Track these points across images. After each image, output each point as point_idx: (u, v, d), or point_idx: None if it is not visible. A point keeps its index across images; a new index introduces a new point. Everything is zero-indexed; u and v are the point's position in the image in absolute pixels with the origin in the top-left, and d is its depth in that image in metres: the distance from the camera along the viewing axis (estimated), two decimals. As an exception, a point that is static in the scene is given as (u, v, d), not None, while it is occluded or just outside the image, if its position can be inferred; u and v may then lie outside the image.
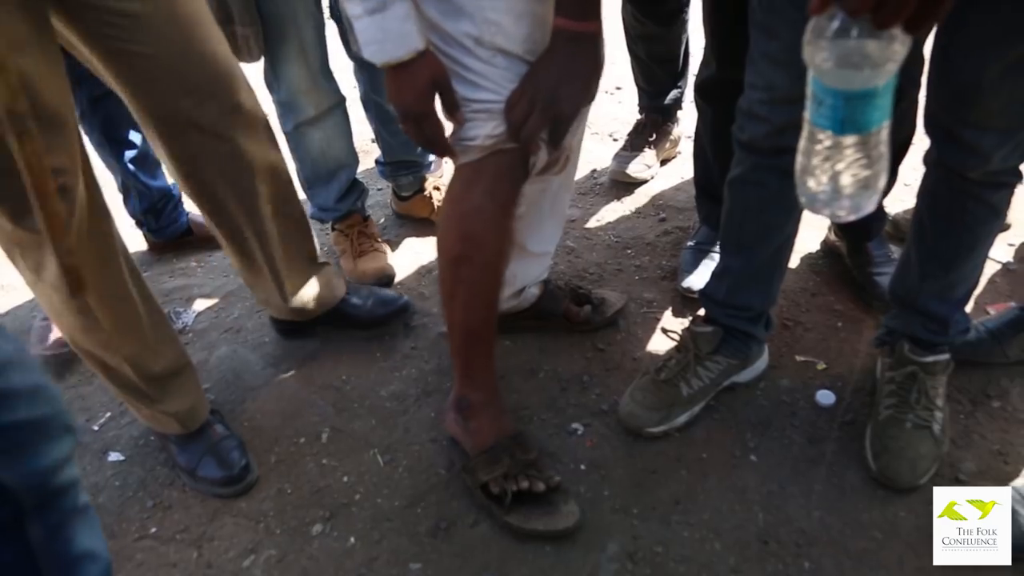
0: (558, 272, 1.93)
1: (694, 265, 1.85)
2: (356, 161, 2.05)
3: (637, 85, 2.32)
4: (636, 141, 2.31)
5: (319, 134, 1.90)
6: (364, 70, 1.98)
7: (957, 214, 1.30)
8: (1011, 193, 1.31)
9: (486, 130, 1.19)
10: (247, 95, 1.38)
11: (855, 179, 0.84)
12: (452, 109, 1.20)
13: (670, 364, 1.51)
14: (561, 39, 1.14)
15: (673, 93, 2.28)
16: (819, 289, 1.85)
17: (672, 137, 2.38)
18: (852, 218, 0.87)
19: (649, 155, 2.30)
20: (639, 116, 2.36)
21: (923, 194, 1.36)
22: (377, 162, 2.20)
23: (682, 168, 2.35)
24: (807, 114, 0.81)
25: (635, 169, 2.26)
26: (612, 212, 2.19)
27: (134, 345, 1.38)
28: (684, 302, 1.82)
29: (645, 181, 2.30)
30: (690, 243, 1.91)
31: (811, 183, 0.86)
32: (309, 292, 1.68)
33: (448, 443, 1.49)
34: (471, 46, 1.16)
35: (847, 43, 0.74)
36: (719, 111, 1.69)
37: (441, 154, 1.26)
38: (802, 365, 1.64)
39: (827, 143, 0.82)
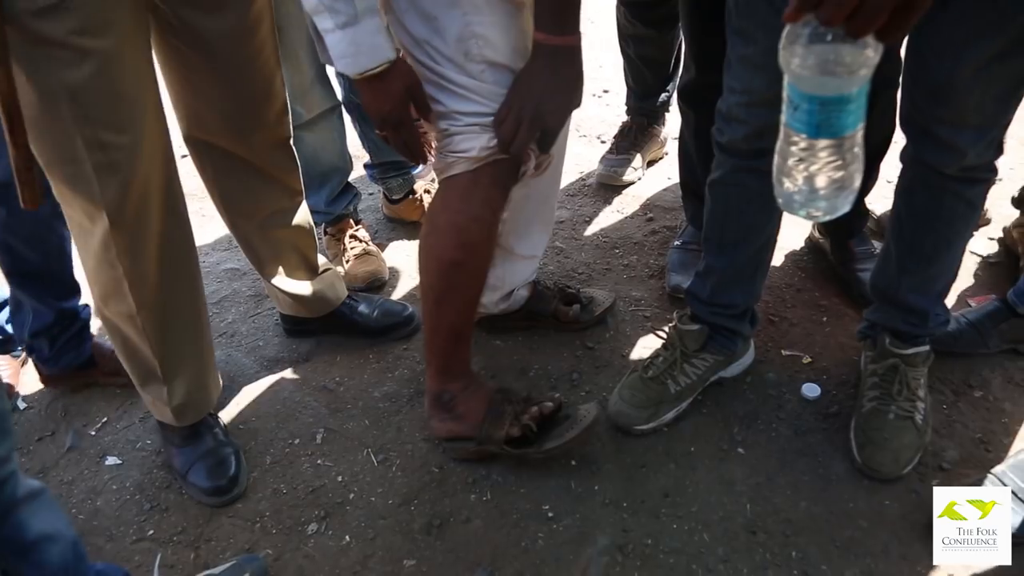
0: (547, 272, 1.96)
1: (681, 264, 1.88)
2: (349, 165, 2.07)
3: (627, 84, 2.35)
4: (623, 144, 2.34)
5: (311, 138, 1.93)
6: (343, 74, 1.99)
7: (934, 210, 1.33)
8: (987, 188, 1.35)
9: (481, 142, 1.22)
10: (288, 125, 1.51)
11: (830, 180, 0.86)
12: (425, 112, 1.24)
13: (657, 362, 1.54)
14: (541, 53, 1.17)
15: (661, 96, 2.31)
16: (804, 285, 1.88)
17: (659, 139, 2.41)
18: (828, 218, 0.89)
19: (636, 158, 2.33)
20: (626, 119, 2.39)
21: (901, 191, 1.39)
22: (366, 166, 2.22)
23: (668, 169, 2.38)
24: (783, 117, 0.84)
25: (622, 173, 2.29)
26: (600, 213, 2.22)
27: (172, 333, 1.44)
28: (672, 301, 1.85)
29: (632, 183, 2.33)
30: (677, 243, 1.94)
31: (787, 184, 0.88)
32: (311, 293, 1.74)
33: (443, 442, 1.51)
34: (460, 61, 1.19)
35: (821, 50, 0.77)
36: (701, 114, 1.70)
37: (416, 160, 1.30)
38: (788, 359, 1.67)
39: (802, 146, 0.84)
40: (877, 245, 1.86)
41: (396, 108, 1.21)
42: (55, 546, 1.07)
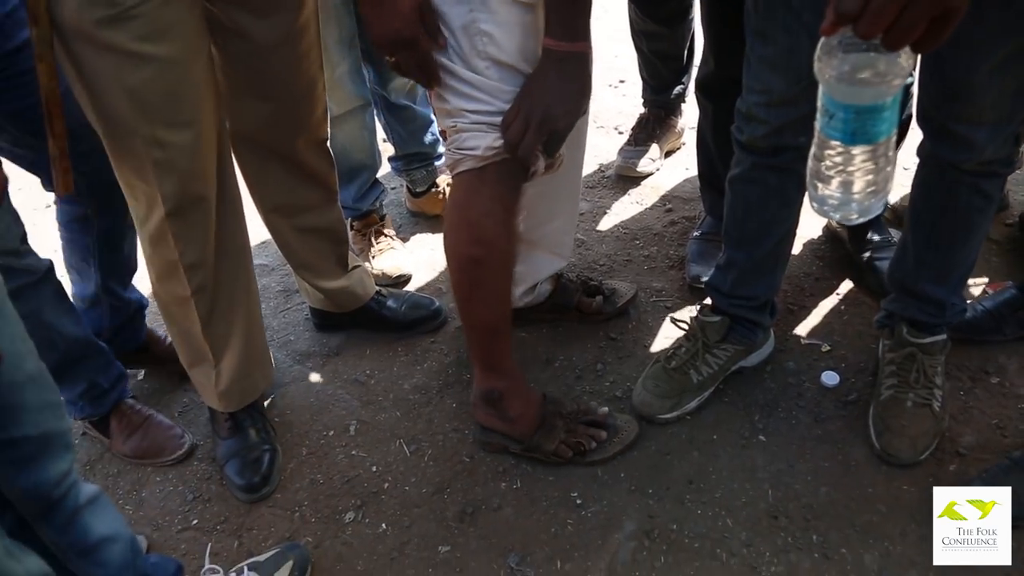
0: (569, 264, 1.99)
1: (701, 255, 1.91)
2: (377, 163, 2.12)
3: (641, 78, 2.38)
4: (640, 136, 2.37)
5: (340, 134, 1.96)
6: (369, 64, 2.02)
7: (951, 202, 1.36)
8: (1004, 180, 1.37)
9: (486, 142, 1.23)
10: (326, 126, 1.57)
11: (865, 185, 0.90)
12: (434, 33, 1.20)
13: (680, 352, 1.58)
14: (551, 59, 1.18)
15: (676, 88, 2.34)
16: (822, 274, 1.92)
17: (676, 129, 2.43)
18: (861, 220, 0.93)
19: (654, 149, 2.36)
20: (643, 110, 2.42)
21: (918, 184, 1.42)
22: (390, 159, 2.27)
23: (686, 159, 2.41)
24: (818, 125, 0.86)
25: (641, 164, 2.32)
26: (620, 204, 2.26)
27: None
28: (692, 291, 1.88)
29: (651, 174, 2.36)
30: (696, 233, 1.98)
31: (822, 188, 0.92)
32: (341, 288, 1.80)
33: (477, 432, 1.56)
34: (466, 55, 1.19)
35: (856, 60, 0.79)
36: (720, 107, 1.75)
37: (430, 84, 1.27)
38: (807, 348, 1.71)
39: (838, 153, 0.88)
40: (894, 233, 1.89)
41: (408, 26, 1.16)
42: (115, 545, 1.14)
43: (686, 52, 2.28)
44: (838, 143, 0.86)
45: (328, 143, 1.61)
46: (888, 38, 0.76)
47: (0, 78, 1.33)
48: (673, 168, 2.39)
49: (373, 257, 2.11)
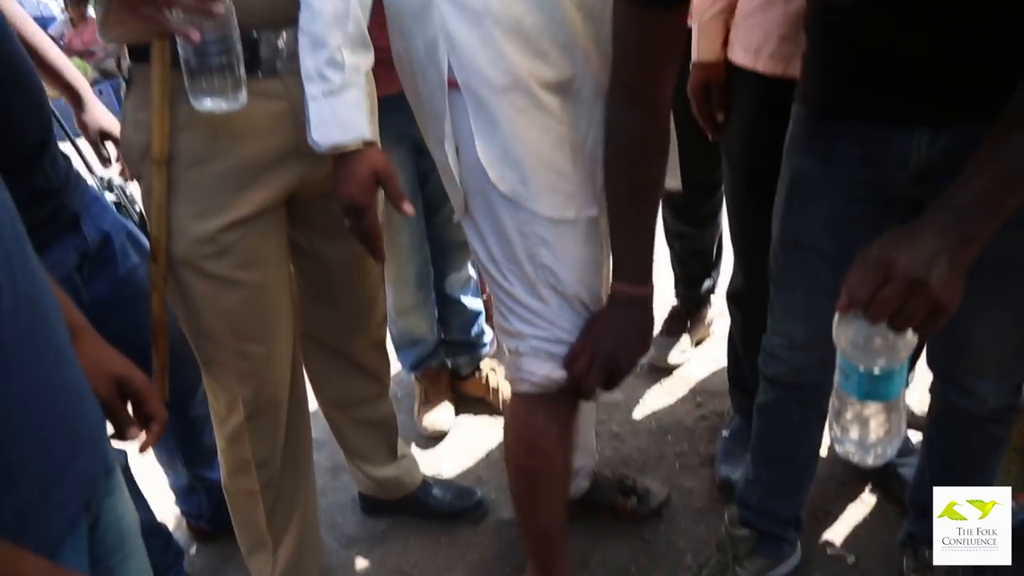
0: (605, 458, 2.11)
1: (729, 455, 2.01)
2: (435, 338, 2.32)
3: (674, 273, 2.56)
4: (673, 327, 2.53)
5: (403, 321, 2.24)
6: (431, 256, 2.23)
7: (962, 440, 1.47)
8: (1013, 421, 1.48)
9: (546, 370, 1.32)
10: (385, 330, 1.75)
11: (880, 434, 1.04)
12: (398, 201, 1.27)
13: (711, 563, 1.66)
14: (620, 301, 1.28)
15: (706, 283, 2.51)
16: (846, 478, 2.00)
17: (706, 321, 2.59)
18: (879, 463, 1.06)
19: (685, 340, 2.51)
20: (675, 302, 2.59)
21: (932, 417, 1.54)
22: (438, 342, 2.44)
23: (715, 349, 2.55)
24: (837, 379, 1.01)
25: (673, 356, 2.47)
26: (652, 395, 2.38)
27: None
28: (722, 491, 1.97)
29: (681, 364, 2.50)
30: (725, 433, 2.09)
31: (843, 435, 1.06)
32: (390, 477, 1.92)
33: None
34: (531, 284, 1.29)
35: (868, 333, 0.95)
36: (749, 319, 1.90)
37: (374, 254, 1.34)
38: (833, 559, 1.77)
39: (854, 406, 1.02)
40: (912, 435, 1.97)
41: (360, 194, 1.22)
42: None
43: (714, 250, 2.48)
44: (854, 399, 1.00)
45: (386, 343, 1.78)
46: (892, 323, 0.92)
47: (115, 299, 1.53)
48: (702, 359, 2.53)
49: (421, 406, 2.33)
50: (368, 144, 1.23)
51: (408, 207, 1.29)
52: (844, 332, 0.98)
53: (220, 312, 1.40)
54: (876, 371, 0.98)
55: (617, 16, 1.16)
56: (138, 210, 1.70)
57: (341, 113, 1.19)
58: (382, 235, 1.33)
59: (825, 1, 1.17)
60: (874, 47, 1.13)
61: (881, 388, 1.00)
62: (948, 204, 0.96)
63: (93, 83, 6.87)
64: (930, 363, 1.45)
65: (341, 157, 1.22)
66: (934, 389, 1.49)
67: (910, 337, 0.97)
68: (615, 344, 1.29)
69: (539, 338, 1.32)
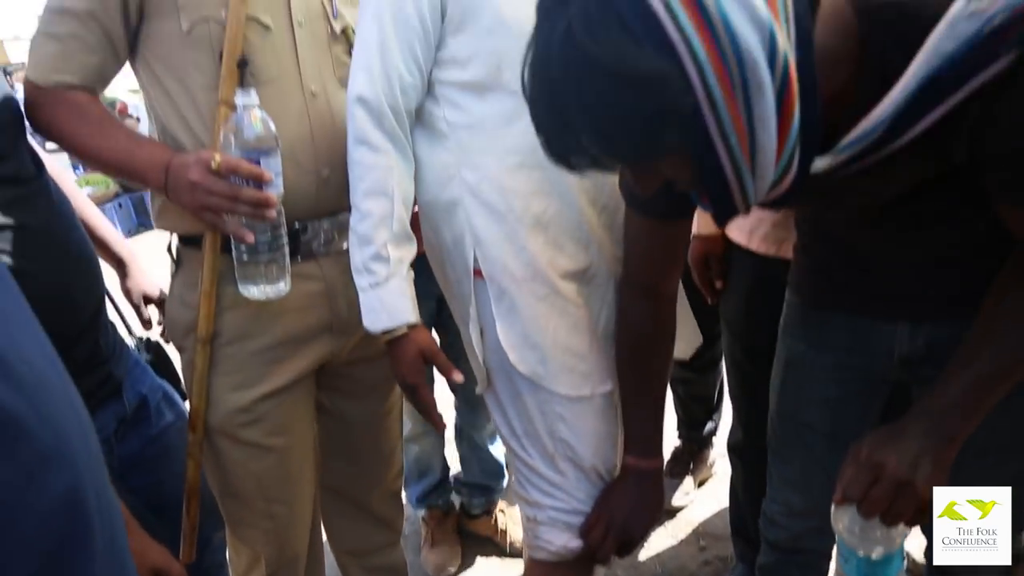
0: (612, 606, 2.14)
1: (734, 606, 2.05)
2: (445, 471, 2.38)
3: (676, 415, 2.65)
4: (676, 468, 2.59)
5: (416, 448, 2.29)
6: (464, 404, 2.31)
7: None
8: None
9: (562, 540, 1.39)
10: (401, 480, 1.81)
11: None
12: (447, 371, 1.35)
13: None
14: (632, 474, 1.37)
15: (709, 426, 2.60)
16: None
17: (708, 462, 2.66)
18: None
19: (688, 482, 2.57)
20: (677, 443, 2.66)
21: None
22: (454, 479, 2.49)
23: (717, 489, 2.60)
24: (838, 557, 1.09)
25: (677, 499, 2.53)
26: (656, 538, 2.43)
27: None
28: (727, 643, 2.00)
29: (684, 507, 2.55)
30: (728, 582, 2.13)
31: None
32: None
33: None
34: (550, 458, 1.37)
35: (864, 523, 1.03)
36: (750, 471, 1.97)
37: (435, 427, 1.42)
38: None
39: None
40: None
41: (411, 374, 1.31)
42: None
43: (716, 394, 2.57)
44: None
45: (401, 492, 1.85)
46: (884, 519, 1.01)
47: (143, 457, 1.60)
48: (705, 500, 2.58)
49: (428, 544, 2.37)
50: (412, 327, 1.31)
51: (458, 375, 1.36)
52: (841, 520, 1.07)
53: (252, 476, 1.48)
54: (874, 556, 1.06)
55: (628, 220, 1.30)
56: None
57: (387, 301, 1.28)
58: (434, 408, 1.39)
59: (813, 217, 1.31)
60: (854, 251, 1.26)
61: (880, 571, 1.07)
62: (930, 408, 1.06)
63: (114, 196, 7.11)
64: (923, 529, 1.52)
65: (391, 341, 1.31)
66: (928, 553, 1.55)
67: (902, 527, 1.05)
68: (628, 514, 1.37)
69: (557, 509, 1.39)
